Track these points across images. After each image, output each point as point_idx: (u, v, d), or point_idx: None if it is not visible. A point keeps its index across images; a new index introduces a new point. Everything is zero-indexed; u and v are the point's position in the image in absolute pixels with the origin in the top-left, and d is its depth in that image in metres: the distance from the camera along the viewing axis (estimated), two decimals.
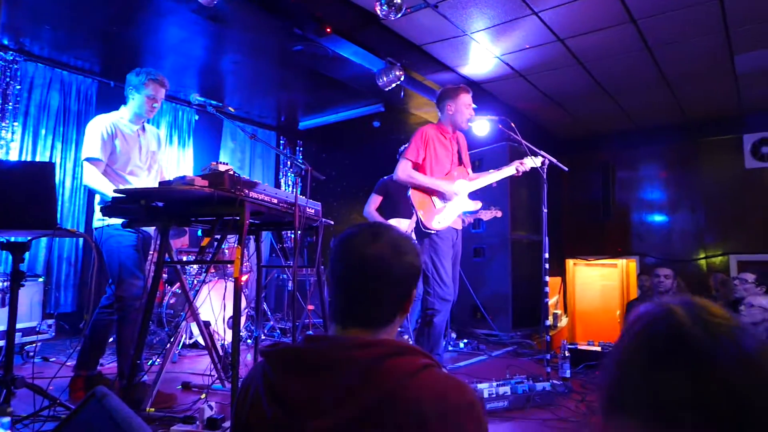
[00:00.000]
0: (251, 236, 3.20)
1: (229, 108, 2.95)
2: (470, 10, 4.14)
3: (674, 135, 7.22)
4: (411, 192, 3.21)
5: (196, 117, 6.19)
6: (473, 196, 3.32)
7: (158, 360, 3.37)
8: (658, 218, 7.41)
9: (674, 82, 5.64)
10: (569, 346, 3.42)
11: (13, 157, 4.59)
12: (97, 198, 2.84)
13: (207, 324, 3.20)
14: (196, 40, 4.65)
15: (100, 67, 5.19)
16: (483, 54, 4.95)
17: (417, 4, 4.00)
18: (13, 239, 2.41)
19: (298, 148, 7.55)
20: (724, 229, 6.82)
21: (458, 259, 3.36)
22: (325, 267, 3.46)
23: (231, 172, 2.27)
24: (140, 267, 2.81)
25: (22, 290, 2.34)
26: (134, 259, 2.78)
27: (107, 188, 2.68)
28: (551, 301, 5.80)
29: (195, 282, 4.37)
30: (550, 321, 3.41)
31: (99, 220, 2.80)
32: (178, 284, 4.18)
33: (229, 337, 3.95)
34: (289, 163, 7.37)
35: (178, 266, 3.19)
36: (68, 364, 2.94)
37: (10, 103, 4.61)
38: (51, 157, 4.88)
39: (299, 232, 2.57)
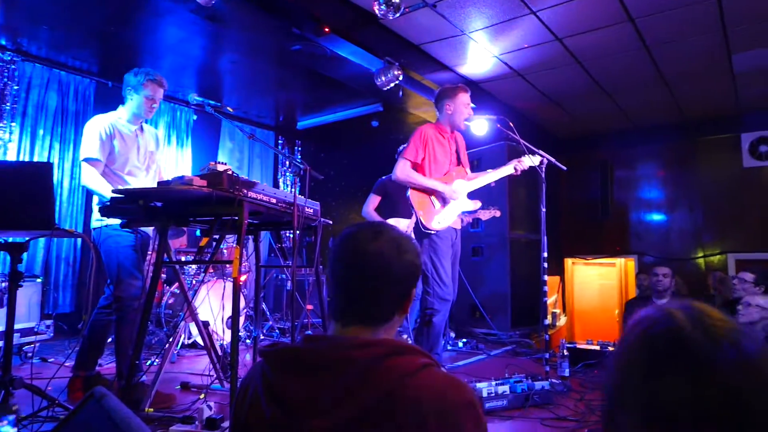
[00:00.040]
0: (250, 236, 3.19)
1: (228, 108, 2.96)
2: (468, 10, 4.14)
3: (672, 134, 7.23)
4: (410, 192, 3.21)
5: (195, 117, 6.18)
6: (472, 195, 3.33)
7: (157, 360, 3.36)
8: (657, 217, 7.42)
9: (672, 81, 5.65)
10: (568, 345, 3.42)
11: (11, 157, 4.59)
12: (96, 198, 2.83)
13: (206, 324, 3.20)
14: (194, 40, 4.64)
15: (98, 68, 5.18)
16: (481, 53, 4.95)
17: (415, 3, 4.00)
18: (11, 239, 2.40)
19: (296, 147, 7.54)
20: (722, 228, 6.83)
21: (457, 258, 3.36)
22: (323, 267, 3.45)
23: (229, 172, 2.27)
24: (139, 267, 2.81)
25: (20, 291, 2.33)
26: (133, 259, 2.78)
27: (105, 189, 2.68)
28: (550, 300, 5.81)
29: (194, 282, 4.37)
30: (548, 320, 3.41)
31: (97, 220, 2.79)
32: (176, 284, 4.18)
33: (227, 337, 3.95)
34: (287, 162, 7.36)
35: (177, 266, 3.19)
36: (67, 364, 2.94)
37: (8, 104, 4.60)
38: (49, 158, 4.87)
39: (298, 231, 2.56)
